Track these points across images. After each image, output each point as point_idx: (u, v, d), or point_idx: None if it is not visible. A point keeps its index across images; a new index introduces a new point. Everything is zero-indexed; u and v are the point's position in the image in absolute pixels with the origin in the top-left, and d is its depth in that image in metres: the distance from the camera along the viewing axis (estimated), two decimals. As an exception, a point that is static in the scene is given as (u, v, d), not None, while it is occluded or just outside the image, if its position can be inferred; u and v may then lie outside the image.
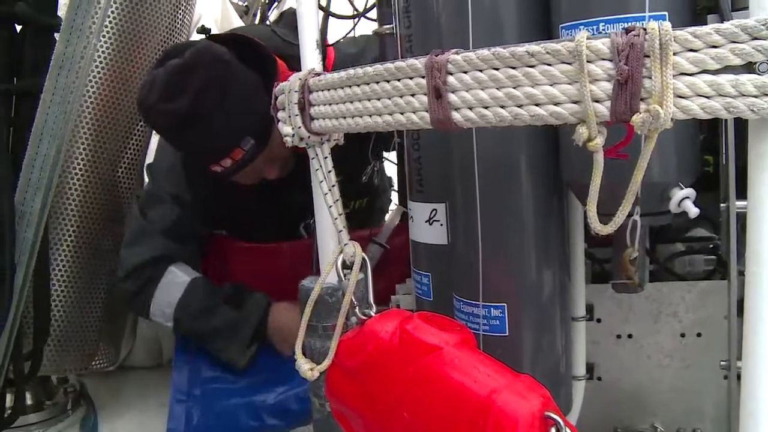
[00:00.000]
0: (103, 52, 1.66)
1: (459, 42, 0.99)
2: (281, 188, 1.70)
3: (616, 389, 1.30)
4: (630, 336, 1.29)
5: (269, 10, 3.34)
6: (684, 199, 0.89)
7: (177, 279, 1.71)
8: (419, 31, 1.19)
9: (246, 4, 3.25)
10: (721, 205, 1.02)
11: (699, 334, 1.27)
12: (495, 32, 0.98)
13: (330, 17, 1.61)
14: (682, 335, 1.27)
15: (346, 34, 2.02)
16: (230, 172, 1.56)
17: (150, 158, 1.90)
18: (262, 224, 1.90)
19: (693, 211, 0.87)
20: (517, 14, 0.98)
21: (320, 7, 1.72)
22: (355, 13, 1.84)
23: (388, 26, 1.41)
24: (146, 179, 1.85)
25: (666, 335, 1.28)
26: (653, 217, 0.94)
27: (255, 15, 3.31)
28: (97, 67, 1.66)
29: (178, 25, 1.93)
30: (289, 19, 1.77)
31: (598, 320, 1.29)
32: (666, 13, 0.86)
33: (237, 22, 2.38)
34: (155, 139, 1.90)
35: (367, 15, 1.83)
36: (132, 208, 1.83)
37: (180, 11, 1.92)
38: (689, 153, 0.94)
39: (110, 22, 1.66)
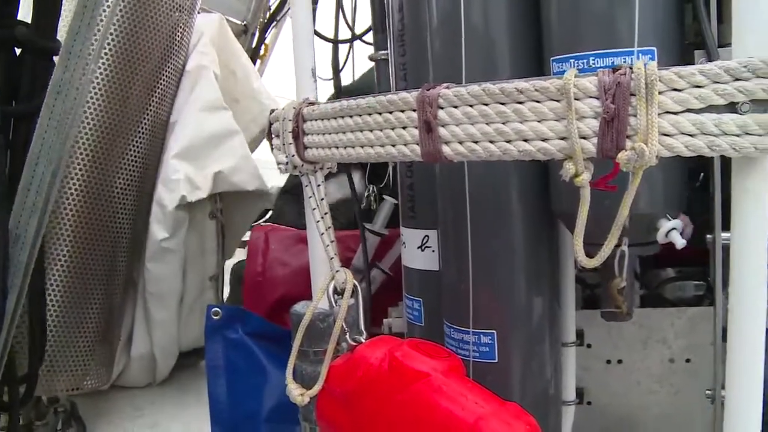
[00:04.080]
0: (100, 74, 1.68)
1: (452, 72, 1.00)
2: None
3: (605, 415, 1.31)
4: (620, 361, 1.30)
5: (267, 30, 3.38)
6: (671, 230, 0.90)
7: None
8: (413, 60, 1.21)
9: (245, 23, 3.28)
10: (707, 236, 1.03)
11: (688, 360, 1.28)
12: (488, 62, 1.00)
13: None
14: (671, 361, 1.29)
15: (345, 59, 2.07)
16: None
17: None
18: None
19: (680, 242, 0.88)
20: (510, 45, 1.00)
21: (320, 35, 1.76)
22: (351, 36, 1.87)
23: (383, 52, 1.43)
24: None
25: (655, 361, 1.29)
26: (641, 247, 0.95)
27: (254, 35, 3.34)
28: (94, 89, 1.68)
29: (176, 47, 1.95)
30: None
31: (588, 346, 1.30)
32: (654, 48, 0.87)
33: (234, 42, 2.40)
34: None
35: (364, 39, 1.86)
36: None
37: (178, 32, 1.94)
38: (677, 185, 0.95)
39: (108, 45, 1.67)
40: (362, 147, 0.82)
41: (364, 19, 2.07)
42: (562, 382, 1.19)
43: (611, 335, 1.29)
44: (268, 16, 3.32)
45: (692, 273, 1.37)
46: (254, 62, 3.33)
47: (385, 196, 1.75)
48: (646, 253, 0.99)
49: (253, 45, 3.36)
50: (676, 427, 1.29)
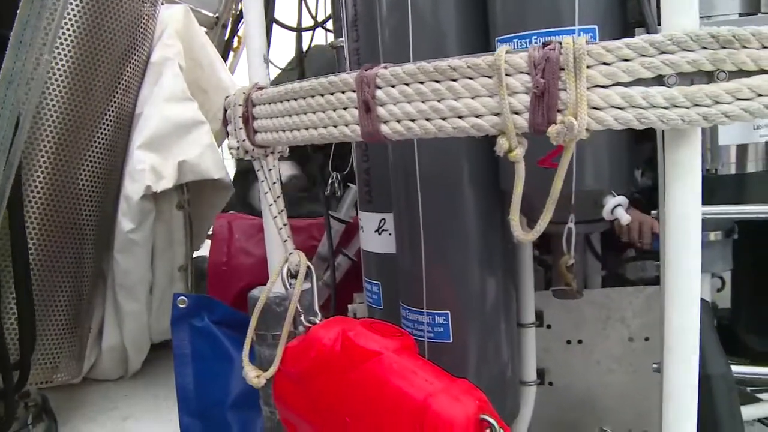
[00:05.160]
0: (62, 65, 1.67)
1: (401, 57, 1.01)
2: None
3: (567, 394, 1.33)
4: (580, 341, 1.32)
5: (239, 22, 3.36)
6: (616, 207, 0.91)
7: None
8: (366, 45, 1.21)
9: (216, 15, 3.25)
10: (653, 212, 1.05)
11: (647, 339, 1.30)
12: (435, 47, 1.00)
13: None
14: (631, 340, 1.30)
15: (308, 46, 2.07)
16: None
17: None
18: None
19: (625, 218, 0.90)
20: (457, 28, 1.01)
21: (276, 22, 1.76)
22: (313, 24, 1.88)
23: (342, 39, 1.43)
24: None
25: (615, 340, 1.30)
26: (588, 224, 0.96)
27: (225, 26, 3.32)
28: (56, 80, 1.67)
29: (140, 39, 1.94)
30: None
31: (549, 326, 1.31)
32: (596, 27, 0.89)
33: (200, 33, 2.38)
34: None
35: (326, 26, 1.87)
36: None
37: (142, 23, 1.93)
38: (623, 162, 0.96)
39: (70, 36, 1.66)
40: (307, 129, 0.83)
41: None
42: (523, 363, 1.21)
43: (571, 315, 1.31)
44: (240, 7, 3.29)
45: (652, 252, 1.39)
46: (227, 54, 3.31)
47: (350, 184, 1.76)
48: (593, 231, 1.00)
49: (226, 37, 3.34)
50: (636, 405, 1.31)
